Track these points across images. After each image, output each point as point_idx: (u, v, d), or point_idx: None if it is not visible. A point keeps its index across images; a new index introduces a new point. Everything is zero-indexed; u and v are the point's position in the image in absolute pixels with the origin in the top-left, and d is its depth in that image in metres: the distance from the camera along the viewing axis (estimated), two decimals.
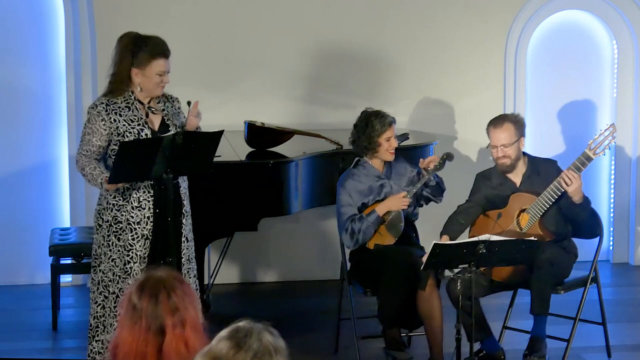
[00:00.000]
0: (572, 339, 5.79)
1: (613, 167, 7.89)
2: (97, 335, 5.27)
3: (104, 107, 5.21)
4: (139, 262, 5.22)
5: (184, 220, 5.34)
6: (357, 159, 5.92)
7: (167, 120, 5.31)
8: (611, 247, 7.93)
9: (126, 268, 5.22)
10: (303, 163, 6.23)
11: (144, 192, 5.24)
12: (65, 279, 7.14)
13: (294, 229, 7.57)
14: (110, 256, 5.24)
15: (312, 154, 6.32)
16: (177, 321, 3.10)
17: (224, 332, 2.72)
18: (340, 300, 6.09)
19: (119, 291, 5.20)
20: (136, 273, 5.19)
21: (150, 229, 5.24)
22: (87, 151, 5.21)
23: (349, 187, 5.83)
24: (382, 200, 5.81)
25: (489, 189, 5.81)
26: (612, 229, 7.89)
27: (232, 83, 7.46)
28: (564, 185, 5.56)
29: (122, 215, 5.22)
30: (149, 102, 5.29)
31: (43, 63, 7.37)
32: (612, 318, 6.33)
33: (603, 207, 7.84)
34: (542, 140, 7.71)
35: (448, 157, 5.74)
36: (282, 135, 6.56)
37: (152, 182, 5.22)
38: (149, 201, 5.24)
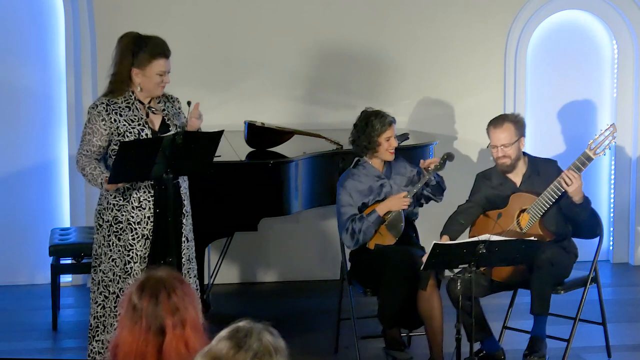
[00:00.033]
0: (572, 339, 5.79)
1: (613, 167, 7.89)
2: (97, 335, 5.27)
3: (104, 107, 5.21)
4: (139, 262, 5.22)
5: (184, 220, 5.34)
6: (357, 158, 5.92)
7: (168, 120, 5.31)
8: (611, 247, 7.93)
9: (126, 268, 5.22)
10: (303, 163, 6.23)
11: (145, 192, 5.24)
12: (65, 279, 7.14)
13: (294, 229, 7.57)
14: (111, 256, 5.24)
15: (312, 154, 6.32)
16: (177, 321, 3.10)
17: (224, 332, 2.72)
18: (340, 300, 6.09)
19: (119, 291, 5.20)
20: (136, 273, 5.19)
21: (150, 229, 5.24)
22: (87, 151, 5.21)
23: (349, 187, 5.83)
24: (383, 200, 5.81)
25: (489, 189, 5.81)
26: (612, 229, 7.89)
27: (232, 83, 7.46)
28: (564, 185, 5.56)
29: (123, 215, 5.22)
30: (149, 102, 5.29)
31: (43, 63, 7.37)
32: (612, 318, 6.32)
33: (603, 207, 7.84)
34: (542, 140, 7.71)
35: (448, 157, 5.74)
36: (282, 135, 6.56)
37: (152, 182, 5.22)
38: (149, 201, 5.24)
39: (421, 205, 5.95)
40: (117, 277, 5.23)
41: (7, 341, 6.32)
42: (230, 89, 7.45)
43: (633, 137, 7.85)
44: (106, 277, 5.25)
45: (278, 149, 6.51)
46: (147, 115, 5.26)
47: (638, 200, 7.85)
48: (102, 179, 5.14)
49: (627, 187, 7.86)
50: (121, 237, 5.22)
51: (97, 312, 5.27)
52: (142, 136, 5.19)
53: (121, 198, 5.23)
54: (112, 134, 5.20)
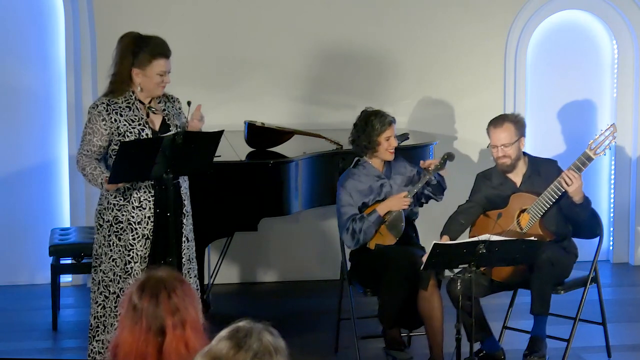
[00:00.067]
0: (572, 339, 5.79)
1: (613, 167, 7.89)
2: (98, 335, 5.27)
3: (104, 107, 5.21)
4: (140, 262, 5.22)
5: (184, 220, 5.34)
6: (357, 158, 5.92)
7: (168, 120, 5.31)
8: (611, 247, 7.93)
9: (127, 268, 5.22)
10: (303, 163, 6.23)
11: (145, 192, 5.24)
12: (65, 279, 7.14)
13: (294, 229, 7.57)
14: (111, 256, 5.24)
15: (312, 154, 6.33)
16: (178, 321, 3.10)
17: (224, 332, 2.72)
18: (340, 300, 6.09)
19: (120, 291, 5.20)
20: (137, 273, 5.19)
21: (150, 229, 5.24)
22: (87, 151, 5.21)
23: (349, 186, 5.82)
24: (383, 200, 5.81)
25: (489, 189, 5.81)
26: (612, 229, 7.89)
27: (232, 83, 7.46)
28: (564, 185, 5.56)
29: (123, 215, 5.22)
30: (149, 102, 5.29)
31: (43, 63, 7.37)
32: (612, 318, 6.32)
33: (603, 207, 7.84)
34: (542, 140, 7.71)
35: (449, 157, 5.74)
36: (282, 135, 6.57)
37: (152, 182, 5.22)
38: (149, 201, 5.24)
39: (421, 204, 5.95)
40: (118, 277, 5.23)
41: (7, 341, 6.32)
42: (230, 89, 7.45)
43: (633, 137, 7.85)
44: (106, 277, 5.25)
45: (278, 149, 6.51)
46: (148, 115, 5.27)
47: (638, 200, 7.85)
48: (102, 179, 5.14)
49: (627, 187, 7.86)
50: (121, 237, 5.22)
51: (97, 312, 5.27)
52: (142, 136, 5.19)
53: (121, 198, 5.23)
54: (113, 134, 5.20)
